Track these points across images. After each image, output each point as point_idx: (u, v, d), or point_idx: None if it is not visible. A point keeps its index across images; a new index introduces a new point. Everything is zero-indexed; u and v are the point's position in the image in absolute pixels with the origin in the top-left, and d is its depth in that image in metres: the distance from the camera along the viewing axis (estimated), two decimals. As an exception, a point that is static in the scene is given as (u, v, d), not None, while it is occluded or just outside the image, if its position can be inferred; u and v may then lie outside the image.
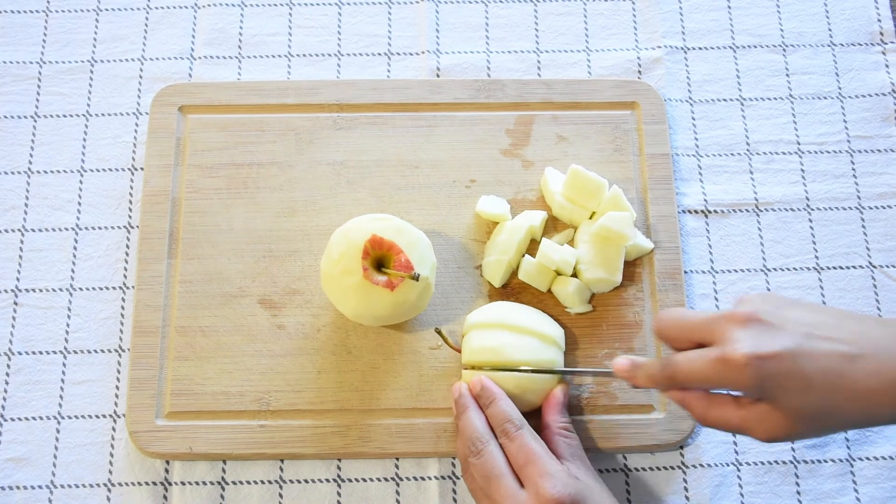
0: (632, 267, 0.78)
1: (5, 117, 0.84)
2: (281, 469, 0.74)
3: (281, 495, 0.73)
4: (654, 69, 0.86)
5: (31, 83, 0.86)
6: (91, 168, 0.83)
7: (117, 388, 0.76)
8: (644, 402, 0.74)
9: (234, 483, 0.73)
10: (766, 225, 0.81)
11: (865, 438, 0.75)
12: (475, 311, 0.74)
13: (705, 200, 0.82)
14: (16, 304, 0.78)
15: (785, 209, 0.82)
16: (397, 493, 0.73)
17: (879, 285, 0.80)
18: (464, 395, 0.71)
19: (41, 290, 0.79)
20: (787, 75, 0.87)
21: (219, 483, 0.74)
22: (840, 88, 0.86)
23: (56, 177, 0.82)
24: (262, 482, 0.74)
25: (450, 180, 0.81)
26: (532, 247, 0.79)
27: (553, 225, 0.80)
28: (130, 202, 0.82)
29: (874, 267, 0.80)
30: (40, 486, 0.74)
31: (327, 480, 0.74)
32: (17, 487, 0.73)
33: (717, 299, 0.79)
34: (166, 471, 0.74)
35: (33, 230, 0.81)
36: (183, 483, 0.73)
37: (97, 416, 0.75)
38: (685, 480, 0.74)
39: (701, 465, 0.74)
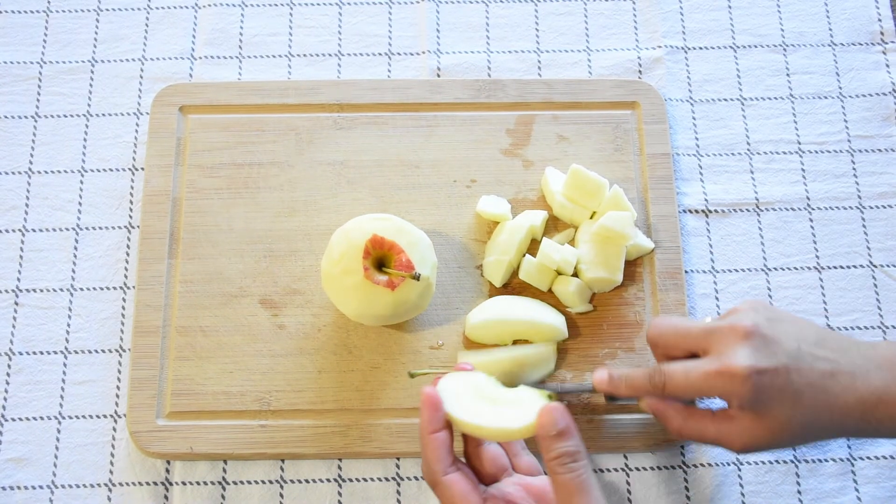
0: (632, 266, 0.78)
1: (6, 117, 0.84)
2: (282, 469, 0.74)
3: (282, 495, 0.73)
4: (654, 69, 0.86)
5: (31, 83, 0.86)
6: (91, 168, 0.83)
7: (118, 388, 0.76)
8: (645, 402, 0.74)
9: (234, 483, 0.73)
10: (767, 224, 0.81)
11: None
12: (475, 310, 0.75)
13: (706, 200, 0.82)
14: (16, 304, 0.78)
15: (785, 209, 0.82)
16: (398, 492, 0.73)
17: (880, 285, 0.80)
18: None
19: (42, 291, 0.79)
20: (788, 75, 0.87)
21: (219, 483, 0.74)
22: (840, 88, 0.86)
23: (56, 177, 0.82)
24: (263, 482, 0.74)
25: (450, 180, 0.81)
26: (533, 247, 0.79)
27: (554, 225, 0.80)
28: (131, 202, 0.82)
29: (875, 266, 0.80)
30: (41, 487, 0.74)
31: (328, 480, 0.74)
32: (18, 487, 0.73)
33: (717, 299, 0.79)
34: (167, 471, 0.74)
35: (34, 230, 0.81)
36: (184, 483, 0.73)
37: (98, 417, 0.75)
38: (686, 480, 0.74)
39: (702, 465, 0.74)
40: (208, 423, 0.74)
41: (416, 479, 0.74)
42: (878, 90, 0.86)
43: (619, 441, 0.73)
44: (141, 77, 0.86)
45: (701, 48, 0.88)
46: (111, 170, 0.83)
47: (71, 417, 0.75)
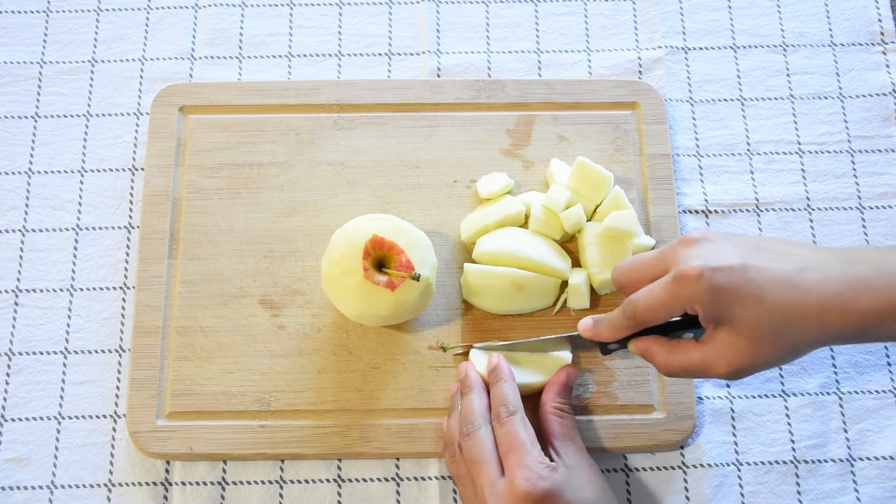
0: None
1: (6, 117, 0.84)
2: (281, 469, 0.74)
3: (281, 495, 0.73)
4: (654, 69, 0.86)
5: (31, 83, 0.86)
6: (91, 168, 0.83)
7: (118, 388, 0.76)
8: (644, 402, 0.74)
9: (234, 483, 0.74)
10: (767, 225, 0.81)
11: (866, 438, 0.75)
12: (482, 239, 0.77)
13: (706, 200, 0.82)
14: (16, 304, 0.78)
15: (785, 209, 0.82)
16: (398, 493, 0.73)
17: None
18: (471, 378, 0.71)
19: (42, 291, 0.79)
20: (788, 75, 0.87)
21: (219, 483, 0.74)
22: (841, 88, 0.86)
23: (56, 177, 0.82)
24: (263, 482, 0.74)
25: (450, 180, 0.81)
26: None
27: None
28: (131, 202, 0.82)
29: (875, 267, 0.80)
30: (41, 487, 0.74)
31: (328, 480, 0.74)
32: (18, 488, 0.73)
33: (717, 299, 0.79)
34: (167, 471, 0.74)
35: (34, 230, 0.81)
36: (183, 483, 0.73)
37: (98, 417, 0.75)
38: (685, 480, 0.74)
39: (701, 465, 0.74)
40: (208, 424, 0.74)
41: (415, 479, 0.74)
42: (878, 90, 0.86)
43: (619, 441, 0.73)
44: (141, 77, 0.86)
45: (701, 48, 0.88)
46: (111, 170, 0.83)
47: (71, 417, 0.75)
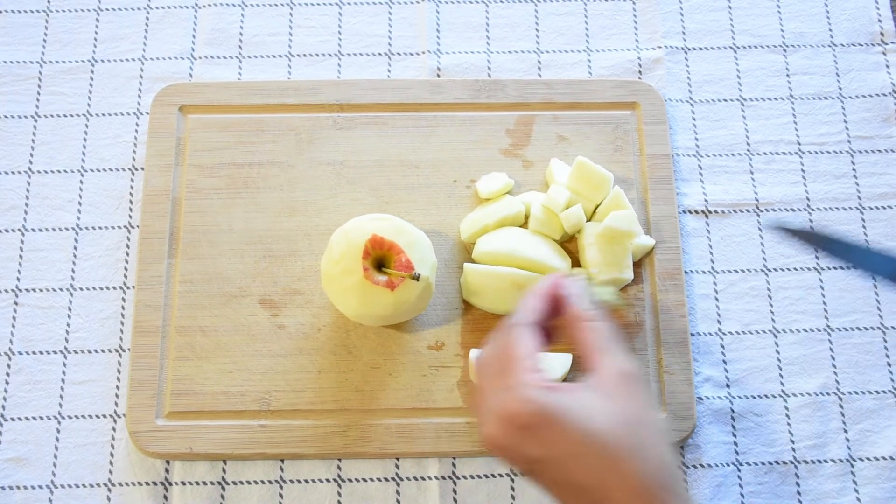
0: (632, 267, 0.78)
1: (5, 117, 0.84)
2: (281, 469, 0.74)
3: (281, 495, 0.73)
4: (654, 69, 0.86)
5: (31, 83, 0.86)
6: (91, 168, 0.83)
7: (117, 388, 0.76)
8: (644, 403, 0.74)
9: (234, 483, 0.73)
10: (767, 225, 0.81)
11: (866, 438, 0.75)
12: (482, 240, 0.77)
13: (706, 200, 0.82)
14: (16, 304, 0.78)
15: (785, 209, 0.82)
16: (398, 493, 0.73)
17: (880, 286, 0.80)
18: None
19: (41, 290, 0.79)
20: (788, 75, 0.87)
21: (219, 483, 0.74)
22: (840, 89, 0.86)
23: (56, 177, 0.82)
24: (263, 482, 0.74)
25: (450, 180, 0.81)
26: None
27: (553, 225, 0.80)
28: (131, 202, 0.82)
29: (875, 267, 0.80)
30: (40, 486, 0.74)
31: (327, 480, 0.74)
32: (18, 487, 0.73)
33: (717, 299, 0.79)
34: (166, 471, 0.74)
35: (33, 230, 0.81)
36: (183, 483, 0.73)
37: (97, 416, 0.75)
38: (685, 480, 0.74)
39: (701, 465, 0.74)
40: (208, 423, 0.74)
41: (415, 479, 0.74)
42: (878, 91, 0.86)
43: (618, 441, 0.73)
44: (141, 77, 0.86)
45: (701, 48, 0.88)
46: (111, 170, 0.83)
47: (70, 417, 0.75)
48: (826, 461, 0.75)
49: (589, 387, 0.57)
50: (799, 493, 0.74)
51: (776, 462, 0.75)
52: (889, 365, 0.77)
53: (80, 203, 0.82)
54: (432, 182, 0.81)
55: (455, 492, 0.73)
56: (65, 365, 0.77)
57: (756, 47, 0.88)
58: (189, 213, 0.79)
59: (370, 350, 0.76)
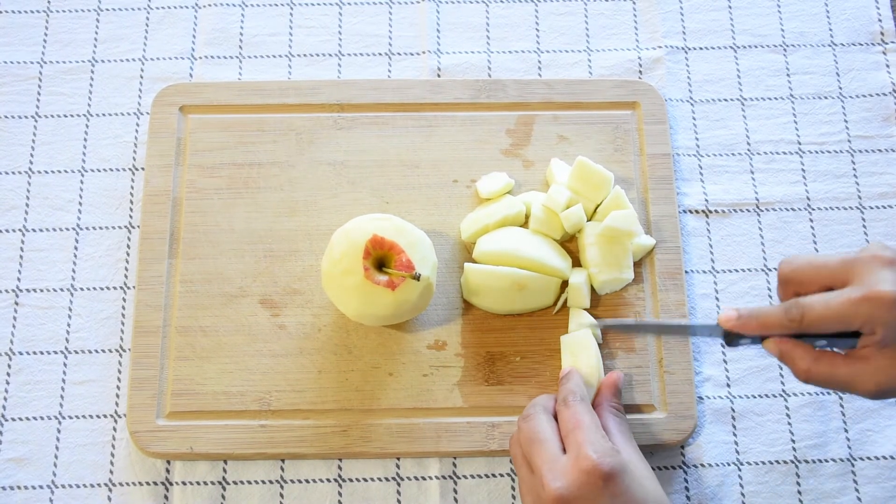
0: (633, 267, 0.78)
1: (6, 117, 0.84)
2: (282, 469, 0.74)
3: (282, 495, 0.73)
4: (654, 69, 0.86)
5: (31, 83, 0.86)
6: (92, 168, 0.83)
7: (118, 388, 0.76)
8: (645, 402, 0.74)
9: (234, 483, 0.73)
10: (767, 225, 0.81)
11: (866, 438, 0.75)
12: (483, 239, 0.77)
13: (706, 200, 0.82)
14: (16, 304, 0.78)
15: (786, 209, 0.82)
16: (398, 492, 0.73)
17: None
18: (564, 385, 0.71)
19: (42, 290, 0.79)
20: (788, 75, 0.87)
21: (220, 483, 0.74)
22: (841, 88, 0.86)
23: (57, 177, 0.82)
24: (263, 482, 0.74)
25: (450, 180, 0.81)
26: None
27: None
28: (131, 202, 0.82)
29: (875, 267, 0.80)
30: (41, 486, 0.74)
31: (328, 480, 0.74)
32: (18, 487, 0.73)
33: (717, 299, 0.79)
34: (167, 471, 0.74)
35: (34, 230, 0.81)
36: (184, 483, 0.73)
37: (98, 416, 0.75)
38: (686, 480, 0.74)
39: (701, 465, 0.74)
40: (208, 423, 0.74)
41: (416, 479, 0.74)
42: (878, 90, 0.86)
43: (619, 441, 0.73)
44: (141, 77, 0.86)
45: (701, 48, 0.88)
46: (111, 170, 0.83)
47: (71, 417, 0.75)
48: (826, 461, 0.75)
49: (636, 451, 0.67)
50: (799, 492, 0.74)
51: (777, 461, 0.75)
52: (889, 364, 0.77)
53: (80, 203, 0.82)
54: (433, 182, 0.81)
55: (455, 491, 0.73)
56: (65, 365, 0.77)
57: (756, 47, 0.88)
58: (189, 213, 0.79)
59: (371, 350, 0.76)
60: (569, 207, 0.77)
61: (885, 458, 0.75)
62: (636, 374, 0.75)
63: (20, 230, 0.81)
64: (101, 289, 0.79)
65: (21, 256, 0.80)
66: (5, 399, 0.76)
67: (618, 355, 0.76)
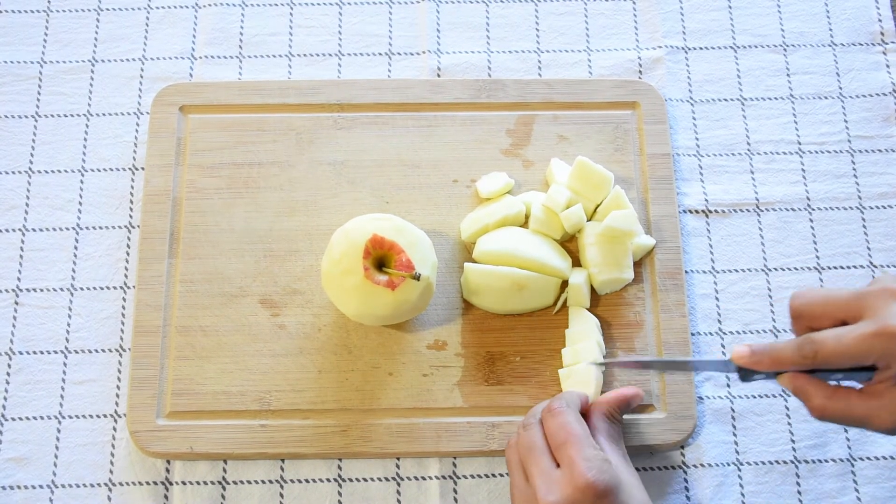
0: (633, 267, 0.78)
1: (6, 117, 0.84)
2: (282, 469, 0.74)
3: (282, 495, 0.73)
4: (654, 69, 0.86)
5: (31, 83, 0.86)
6: (92, 168, 0.83)
7: (118, 387, 0.76)
8: (644, 402, 0.74)
9: (234, 483, 0.73)
10: (767, 225, 0.81)
11: (866, 438, 0.75)
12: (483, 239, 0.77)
13: (706, 200, 0.82)
14: (16, 303, 0.78)
15: (786, 209, 0.82)
16: (398, 492, 0.73)
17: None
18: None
19: (42, 290, 0.79)
20: (788, 75, 0.87)
21: (220, 483, 0.74)
22: (841, 88, 0.86)
23: (57, 177, 0.82)
24: (263, 482, 0.74)
25: (450, 180, 0.81)
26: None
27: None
28: (131, 202, 0.82)
29: (875, 267, 0.80)
30: (41, 486, 0.74)
31: (328, 480, 0.74)
32: (18, 487, 0.73)
33: (717, 299, 0.79)
34: (167, 470, 0.74)
35: (34, 230, 0.81)
36: (184, 483, 0.73)
37: (98, 416, 0.75)
38: (685, 480, 0.74)
39: (701, 465, 0.74)
40: (208, 423, 0.74)
41: (415, 479, 0.74)
42: (878, 90, 0.86)
43: (619, 441, 0.73)
44: (141, 77, 0.86)
45: (701, 48, 0.88)
46: (111, 170, 0.83)
47: (71, 417, 0.75)
48: (826, 461, 0.75)
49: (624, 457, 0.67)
50: (799, 492, 0.74)
51: (776, 462, 0.75)
52: (889, 364, 0.77)
53: (80, 203, 0.82)
54: (433, 182, 0.81)
55: (455, 491, 0.73)
56: (65, 365, 0.77)
57: (756, 47, 0.88)
58: (189, 213, 0.79)
59: (371, 350, 0.76)
60: (569, 207, 0.77)
61: (884, 458, 0.75)
62: (636, 375, 0.75)
63: (20, 230, 0.81)
64: (101, 288, 0.79)
65: (21, 256, 0.80)
66: (5, 399, 0.76)
67: (618, 355, 0.76)
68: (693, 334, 0.78)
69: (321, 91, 0.83)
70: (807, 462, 0.75)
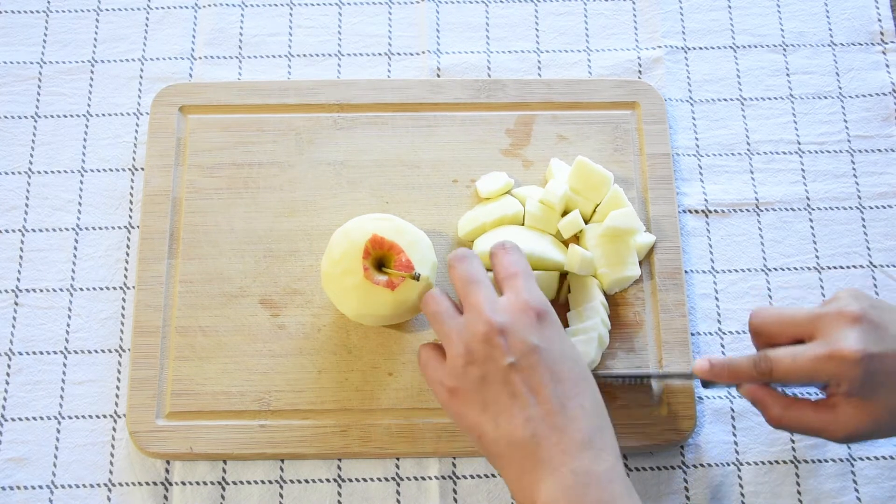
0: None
1: (5, 117, 0.84)
2: (281, 469, 0.74)
3: (281, 495, 0.73)
4: (654, 69, 0.86)
5: (31, 83, 0.86)
6: (91, 168, 0.83)
7: (118, 388, 0.76)
8: (644, 402, 0.74)
9: (234, 483, 0.74)
10: (767, 225, 0.81)
11: (866, 438, 0.75)
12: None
13: (706, 200, 0.82)
14: (16, 304, 0.78)
15: (785, 209, 0.82)
16: (398, 493, 0.73)
17: (880, 285, 0.80)
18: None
19: (42, 291, 0.79)
20: (788, 75, 0.87)
21: (219, 483, 0.74)
22: (840, 88, 0.86)
23: (56, 177, 0.82)
24: (263, 482, 0.74)
25: (450, 180, 0.81)
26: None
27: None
28: (131, 202, 0.82)
29: (875, 267, 0.80)
30: (41, 486, 0.74)
31: (328, 480, 0.74)
32: (18, 487, 0.73)
33: (717, 299, 0.79)
34: (167, 471, 0.74)
35: (34, 230, 0.81)
36: (183, 483, 0.73)
37: (97, 417, 0.75)
38: (685, 480, 0.74)
39: (701, 465, 0.74)
40: (208, 423, 0.74)
41: (415, 479, 0.74)
42: (878, 90, 0.86)
43: (619, 441, 0.73)
44: (141, 77, 0.86)
45: (701, 48, 0.88)
46: (111, 170, 0.83)
47: (71, 417, 0.75)
48: (826, 461, 0.75)
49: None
50: (799, 492, 0.74)
51: (776, 461, 0.75)
52: (889, 364, 0.77)
53: (80, 203, 0.82)
54: (432, 182, 0.81)
55: (455, 492, 0.73)
56: (65, 365, 0.77)
57: (756, 47, 0.88)
58: (189, 213, 0.79)
59: (370, 350, 0.76)
60: (566, 204, 0.77)
61: (884, 458, 0.75)
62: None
63: (20, 230, 0.81)
64: (101, 289, 0.79)
65: (21, 256, 0.80)
66: (5, 399, 0.76)
67: (617, 356, 0.76)
68: (693, 334, 0.78)
69: (321, 91, 0.83)
70: (807, 462, 0.75)
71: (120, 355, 0.77)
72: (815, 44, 0.88)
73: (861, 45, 0.88)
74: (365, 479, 0.74)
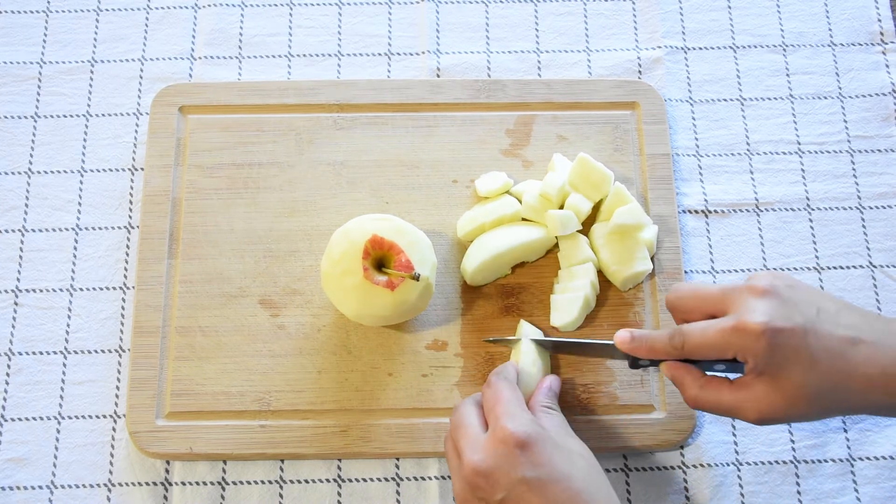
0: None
1: (5, 117, 0.84)
2: (281, 469, 0.74)
3: (281, 495, 0.73)
4: (654, 69, 0.86)
5: (31, 83, 0.86)
6: (91, 168, 0.83)
7: (117, 388, 0.76)
8: (644, 402, 0.74)
9: (234, 483, 0.74)
10: (767, 225, 0.81)
11: (866, 438, 0.75)
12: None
13: (706, 200, 0.82)
14: (16, 304, 0.78)
15: (785, 209, 0.82)
16: (398, 493, 0.74)
17: (880, 285, 0.80)
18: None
19: (41, 291, 0.79)
20: (788, 75, 0.87)
21: (219, 483, 0.74)
22: (840, 88, 0.86)
23: (56, 177, 0.82)
24: (263, 482, 0.74)
25: (450, 180, 0.81)
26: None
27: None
28: (131, 202, 0.82)
29: (874, 267, 0.80)
30: (40, 487, 0.74)
31: (328, 480, 0.74)
32: (18, 488, 0.73)
33: (717, 299, 0.79)
34: (166, 471, 0.74)
35: (33, 230, 0.81)
36: (183, 483, 0.73)
37: (97, 417, 0.75)
38: (685, 480, 0.74)
39: (701, 465, 0.74)
40: (208, 424, 0.74)
41: (415, 479, 0.74)
42: (877, 90, 0.86)
43: (619, 441, 0.73)
44: (141, 77, 0.86)
45: (701, 48, 0.88)
46: (111, 170, 0.83)
47: (70, 417, 0.75)
48: (826, 461, 0.75)
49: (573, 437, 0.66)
50: (799, 492, 0.74)
51: (776, 462, 0.75)
52: (889, 365, 0.77)
53: (80, 203, 0.82)
54: (432, 182, 0.81)
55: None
56: (65, 365, 0.77)
57: (756, 47, 0.88)
58: (189, 214, 0.79)
59: (370, 350, 0.76)
60: (563, 197, 0.77)
61: (884, 458, 0.75)
62: (635, 374, 0.75)
63: (20, 230, 0.81)
64: (101, 289, 0.79)
65: (21, 256, 0.80)
66: (5, 399, 0.76)
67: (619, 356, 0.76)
68: (693, 334, 0.78)
69: (321, 91, 0.83)
70: (806, 462, 0.75)
71: (120, 355, 0.77)
72: (814, 44, 0.88)
73: (861, 45, 0.88)
74: (365, 479, 0.74)
